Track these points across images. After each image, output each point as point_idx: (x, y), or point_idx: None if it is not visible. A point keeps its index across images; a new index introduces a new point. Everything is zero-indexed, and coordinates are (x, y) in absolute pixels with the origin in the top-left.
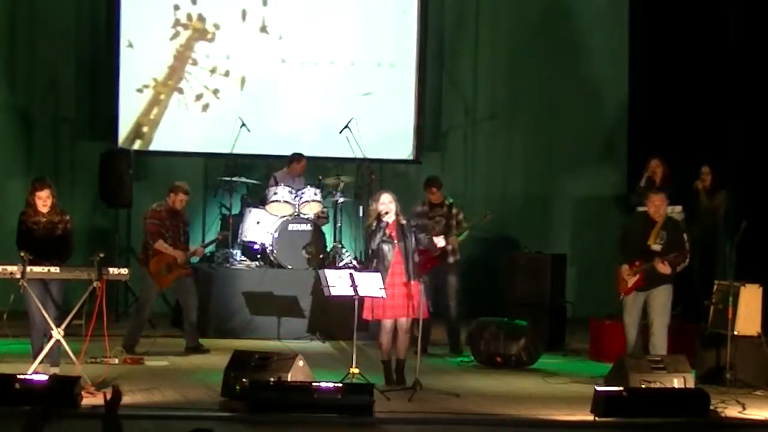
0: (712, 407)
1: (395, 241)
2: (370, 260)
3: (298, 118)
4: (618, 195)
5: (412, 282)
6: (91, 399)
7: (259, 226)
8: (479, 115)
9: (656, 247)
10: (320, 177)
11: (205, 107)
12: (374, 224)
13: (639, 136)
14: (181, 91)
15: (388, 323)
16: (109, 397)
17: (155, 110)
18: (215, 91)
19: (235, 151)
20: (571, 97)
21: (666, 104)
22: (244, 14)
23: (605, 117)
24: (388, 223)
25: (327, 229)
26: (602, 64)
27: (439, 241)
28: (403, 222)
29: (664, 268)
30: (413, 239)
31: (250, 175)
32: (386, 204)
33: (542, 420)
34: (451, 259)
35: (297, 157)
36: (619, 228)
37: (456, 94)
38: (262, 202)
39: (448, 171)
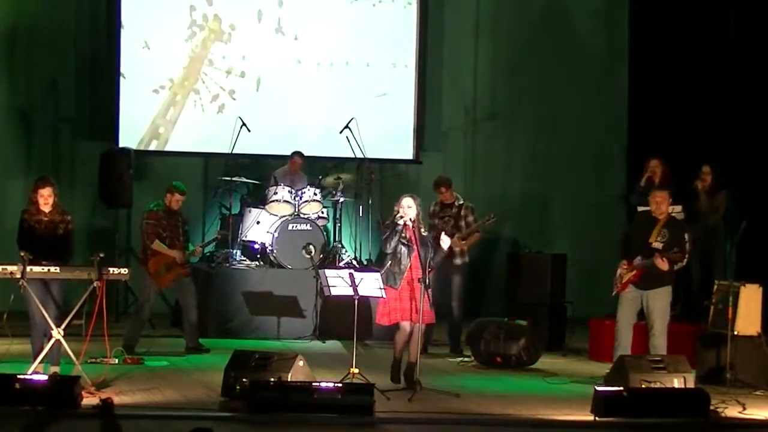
0: (712, 407)
1: (413, 246)
2: (382, 260)
3: (298, 118)
4: (618, 195)
5: (429, 290)
6: (91, 399)
7: (259, 226)
8: (479, 115)
9: (657, 245)
10: (320, 177)
11: (221, 108)
12: (390, 225)
13: (639, 136)
14: (197, 91)
15: (407, 325)
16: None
17: (171, 111)
18: (219, 93)
19: (235, 151)
20: (571, 97)
21: (666, 104)
22: (246, 16)
23: (605, 117)
24: (407, 226)
25: (327, 229)
26: (602, 64)
27: (445, 241)
28: (425, 233)
29: (662, 264)
30: (431, 249)
31: (250, 175)
32: (404, 208)
33: (542, 420)
34: (458, 261)
35: (292, 154)
36: (621, 228)
37: (456, 94)
38: (262, 202)
39: (448, 171)
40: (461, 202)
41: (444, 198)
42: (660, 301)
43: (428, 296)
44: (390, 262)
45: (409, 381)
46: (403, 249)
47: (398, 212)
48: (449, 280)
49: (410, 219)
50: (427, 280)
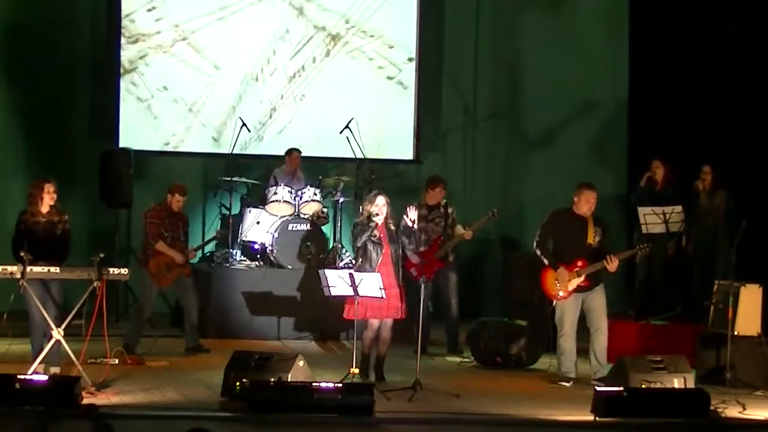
0: (712, 407)
1: (383, 243)
2: (356, 257)
3: (297, 117)
4: (618, 195)
5: (400, 285)
6: (91, 399)
7: (259, 226)
8: (479, 115)
9: (596, 245)
10: (320, 177)
11: (221, 107)
12: (364, 222)
13: (639, 137)
14: (197, 91)
15: (375, 322)
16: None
17: (171, 110)
18: (218, 92)
19: (235, 151)
20: (571, 96)
21: (666, 104)
22: (246, 17)
23: (605, 117)
24: (377, 224)
25: (327, 229)
26: (602, 64)
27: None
28: (392, 227)
29: (613, 266)
30: (401, 245)
31: (250, 175)
32: (379, 207)
33: (542, 420)
34: (450, 258)
35: (289, 151)
36: (621, 228)
37: (456, 94)
38: (262, 202)
39: (448, 171)
40: (444, 201)
41: (434, 198)
42: (601, 299)
43: (401, 292)
44: (360, 259)
45: (379, 374)
46: (373, 247)
47: (372, 212)
48: (446, 278)
49: (383, 218)
50: (399, 276)
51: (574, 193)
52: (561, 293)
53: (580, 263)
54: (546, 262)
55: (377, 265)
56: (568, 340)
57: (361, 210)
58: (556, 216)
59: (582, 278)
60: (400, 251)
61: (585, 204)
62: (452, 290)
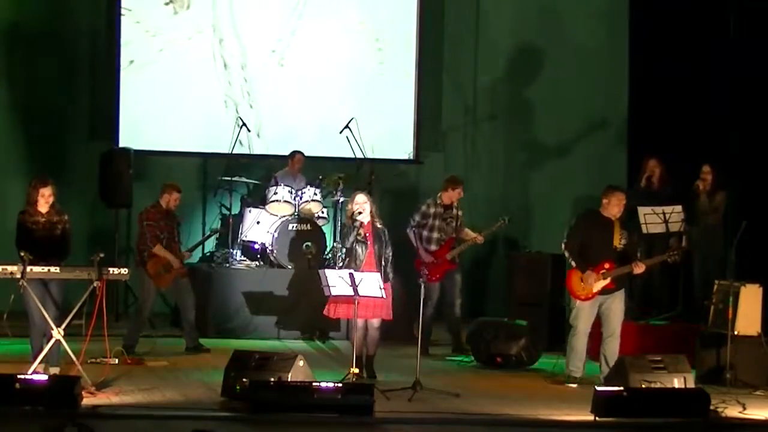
0: (712, 407)
1: (368, 243)
2: (345, 258)
3: (297, 118)
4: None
5: (386, 284)
6: (91, 399)
7: (259, 226)
8: (479, 115)
9: (621, 248)
10: (320, 177)
11: (221, 107)
12: (349, 223)
13: (639, 136)
14: (198, 91)
15: (360, 321)
16: None
17: (172, 110)
18: (219, 93)
19: (235, 151)
20: (571, 97)
21: (666, 104)
22: (247, 17)
23: (605, 117)
24: (362, 222)
25: (327, 229)
26: (602, 64)
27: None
28: (379, 226)
29: (640, 269)
30: (388, 243)
31: (250, 175)
32: (360, 204)
33: (542, 420)
34: (457, 260)
35: (292, 153)
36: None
37: (456, 94)
38: (262, 202)
39: (449, 171)
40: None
41: (450, 198)
42: (620, 304)
43: (388, 291)
44: (347, 258)
45: (370, 372)
46: (359, 246)
47: (354, 211)
48: (452, 279)
49: (367, 215)
50: (384, 275)
51: (603, 196)
52: (583, 294)
53: (607, 265)
54: (573, 263)
55: (362, 265)
56: (580, 340)
57: (345, 212)
58: (584, 217)
59: (608, 280)
60: (388, 251)
61: (616, 206)
62: (457, 291)
